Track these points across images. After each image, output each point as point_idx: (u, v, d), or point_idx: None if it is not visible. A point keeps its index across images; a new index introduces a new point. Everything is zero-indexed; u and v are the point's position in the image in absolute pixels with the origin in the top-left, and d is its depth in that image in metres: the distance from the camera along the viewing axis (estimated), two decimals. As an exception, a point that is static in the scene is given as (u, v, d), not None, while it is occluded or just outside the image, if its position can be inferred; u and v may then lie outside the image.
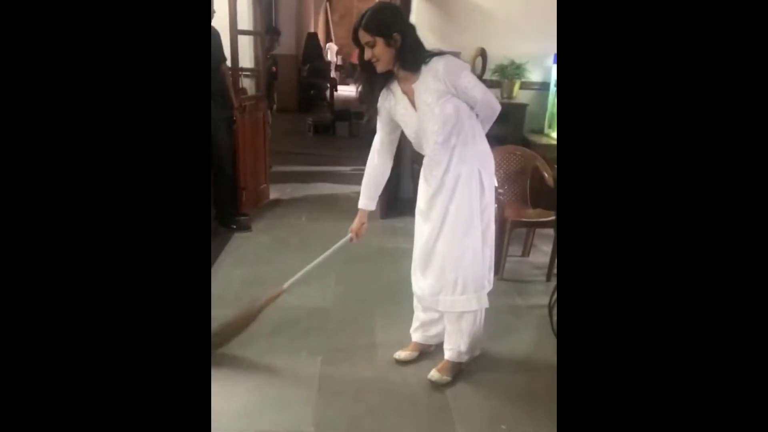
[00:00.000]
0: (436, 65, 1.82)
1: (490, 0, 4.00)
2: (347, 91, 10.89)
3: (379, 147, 2.07)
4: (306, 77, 9.65)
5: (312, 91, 9.85)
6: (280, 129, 6.97)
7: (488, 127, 1.99)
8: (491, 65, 4.01)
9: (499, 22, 4.03)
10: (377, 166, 2.08)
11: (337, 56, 13.30)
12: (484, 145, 1.97)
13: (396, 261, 3.24)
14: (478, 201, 1.94)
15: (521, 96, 4.09)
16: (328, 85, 9.75)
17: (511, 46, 4.01)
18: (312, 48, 9.97)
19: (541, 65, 4.09)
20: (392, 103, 1.95)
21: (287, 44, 8.94)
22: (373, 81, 1.93)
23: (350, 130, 7.58)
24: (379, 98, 1.96)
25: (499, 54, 3.98)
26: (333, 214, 4.15)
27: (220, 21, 4.28)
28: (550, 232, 3.30)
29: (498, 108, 1.95)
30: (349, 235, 2.17)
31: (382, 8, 1.86)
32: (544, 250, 3.50)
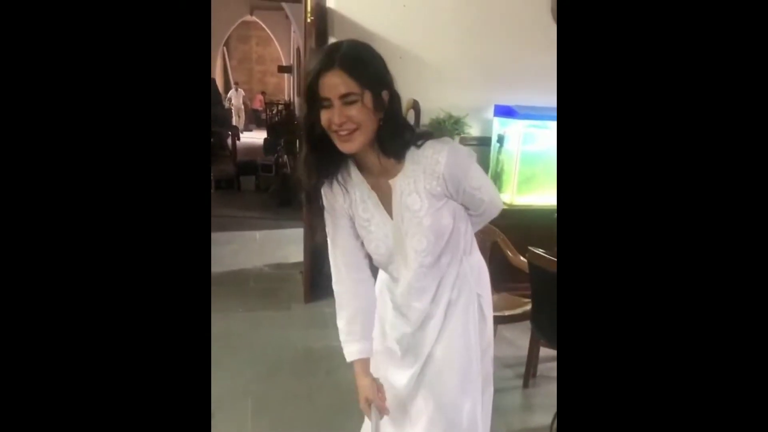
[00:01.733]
0: (432, 155, 1.12)
1: (422, 46, 3.50)
2: (251, 138, 10.11)
3: (347, 259, 1.28)
4: (204, 126, 8.75)
5: (212, 140, 8.98)
6: (175, 187, 6.06)
7: (482, 226, 1.35)
8: (425, 119, 3.49)
9: (432, 71, 3.54)
10: (355, 288, 1.29)
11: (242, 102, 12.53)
12: (478, 255, 1.34)
13: (333, 369, 2.52)
14: (478, 340, 1.28)
15: (461, 153, 3.59)
16: (230, 133, 8.95)
17: (446, 97, 3.52)
18: (210, 94, 9.13)
19: (480, 118, 3.63)
20: (350, 201, 1.22)
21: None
22: (324, 165, 1.16)
23: (257, 183, 6.81)
24: (324, 192, 1.22)
25: (433, 106, 3.47)
26: (243, 300, 3.36)
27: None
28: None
29: (501, 206, 1.31)
30: (373, 416, 1.29)
31: (365, 47, 1.10)
32: (508, 338, 2.91)
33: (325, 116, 1.06)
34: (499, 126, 3.49)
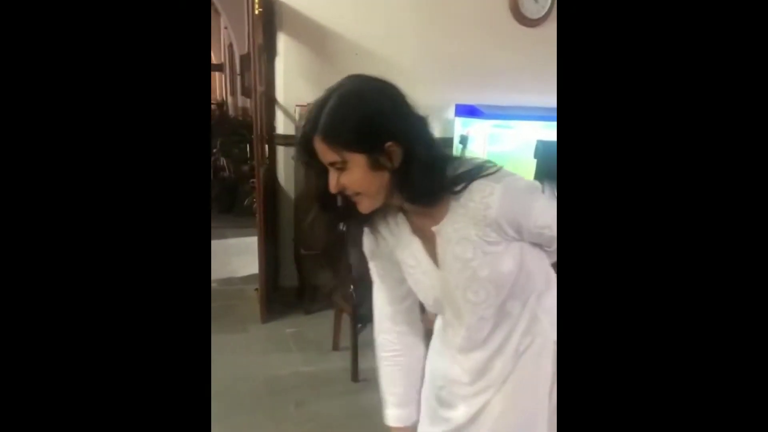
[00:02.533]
0: (481, 199, 0.92)
1: (379, 42, 3.29)
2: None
3: (390, 313, 1.14)
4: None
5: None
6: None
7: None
8: (385, 120, 3.28)
9: (389, 68, 3.31)
10: (400, 341, 1.14)
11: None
12: (554, 292, 1.10)
13: (303, 400, 2.26)
14: (548, 396, 1.05)
15: (422, 156, 3.41)
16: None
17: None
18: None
19: (441, 119, 3.47)
20: (392, 246, 1.06)
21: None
22: (345, 219, 1.01)
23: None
24: (366, 241, 1.07)
25: (392, 106, 3.27)
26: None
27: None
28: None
29: None
30: None
31: (358, 93, 0.91)
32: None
33: (329, 182, 0.95)
34: (461, 126, 3.34)
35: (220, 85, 12.83)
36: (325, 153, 0.90)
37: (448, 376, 1.11)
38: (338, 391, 2.32)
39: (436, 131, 3.52)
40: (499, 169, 0.95)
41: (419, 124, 0.94)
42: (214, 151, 6.91)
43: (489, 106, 3.21)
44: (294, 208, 3.66)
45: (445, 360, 1.12)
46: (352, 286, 2.40)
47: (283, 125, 3.65)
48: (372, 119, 0.88)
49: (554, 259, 1.06)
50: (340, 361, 2.53)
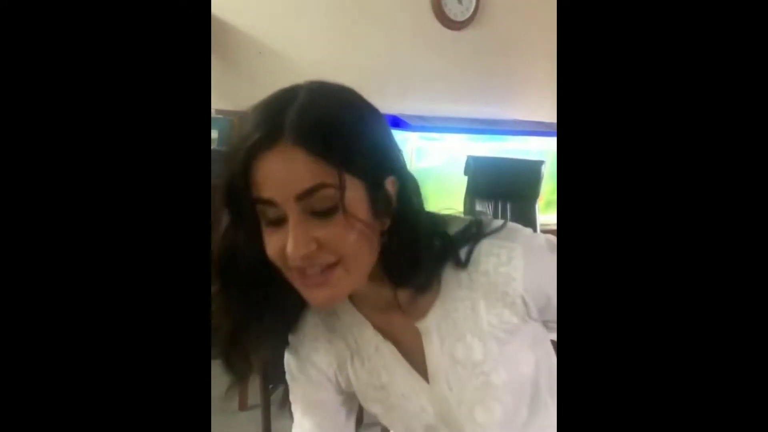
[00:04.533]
0: (495, 269, 0.64)
1: (286, 41, 2.86)
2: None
3: None
4: None
5: None
6: None
7: None
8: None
9: (298, 72, 2.90)
10: None
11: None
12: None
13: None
14: None
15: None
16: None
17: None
18: None
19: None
20: (339, 362, 0.71)
21: None
22: (264, 307, 0.65)
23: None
24: (293, 355, 0.73)
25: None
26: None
27: None
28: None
29: None
30: None
31: (337, 92, 0.59)
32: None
33: (272, 240, 0.56)
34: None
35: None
36: (300, 174, 0.52)
37: None
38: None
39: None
40: (505, 224, 0.66)
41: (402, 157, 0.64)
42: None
43: (414, 117, 2.89)
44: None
45: None
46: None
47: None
48: (371, 130, 0.57)
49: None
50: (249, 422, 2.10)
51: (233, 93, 2.76)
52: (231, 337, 0.64)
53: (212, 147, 2.47)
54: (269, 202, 0.54)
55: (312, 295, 0.58)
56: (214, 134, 2.91)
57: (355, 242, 0.55)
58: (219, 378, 0.66)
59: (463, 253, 0.64)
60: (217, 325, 0.62)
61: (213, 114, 2.92)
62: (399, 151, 0.62)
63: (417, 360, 0.68)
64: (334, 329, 0.70)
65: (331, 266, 0.56)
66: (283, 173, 0.53)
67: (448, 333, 0.66)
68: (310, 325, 0.71)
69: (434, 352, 0.66)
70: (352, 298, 0.68)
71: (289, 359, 0.73)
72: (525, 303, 0.65)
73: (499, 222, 0.67)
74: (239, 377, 0.67)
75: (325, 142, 0.53)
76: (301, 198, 0.53)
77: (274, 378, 0.76)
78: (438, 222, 0.66)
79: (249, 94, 2.14)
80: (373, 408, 0.72)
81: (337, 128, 0.54)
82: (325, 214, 0.54)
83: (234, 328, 0.64)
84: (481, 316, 0.65)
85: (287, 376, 0.74)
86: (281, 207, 0.54)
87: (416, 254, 0.61)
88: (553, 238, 0.65)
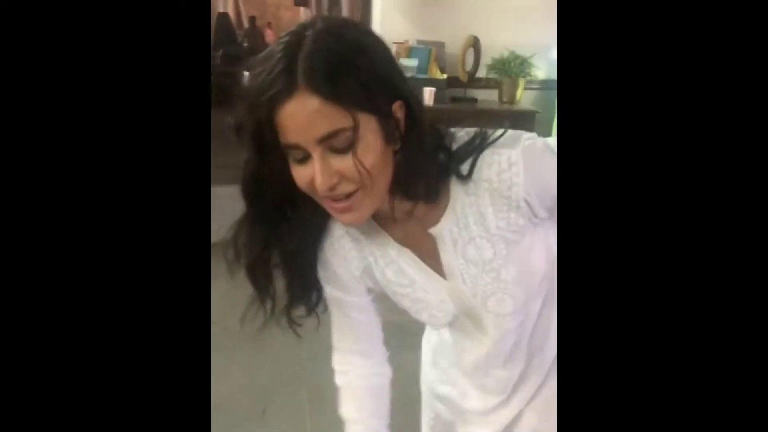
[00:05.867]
0: (499, 174, 0.67)
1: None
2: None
3: (361, 346, 0.88)
4: (219, 65, 8.30)
5: (226, 80, 8.54)
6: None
7: None
8: (486, 59, 3.06)
9: (494, 3, 3.08)
10: (371, 389, 0.89)
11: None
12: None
13: (393, 352, 2.23)
14: None
15: (525, 99, 3.18)
16: (246, 74, 8.48)
17: (510, 33, 3.07)
18: (224, 31, 8.57)
19: (546, 58, 3.19)
20: (363, 267, 0.79)
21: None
22: (301, 231, 0.74)
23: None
24: (324, 261, 0.80)
25: (495, 44, 3.03)
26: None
27: None
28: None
29: None
30: None
31: (341, 31, 0.61)
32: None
33: (300, 174, 0.62)
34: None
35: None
36: (317, 118, 0.57)
37: (460, 405, 0.91)
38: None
39: (543, 72, 3.29)
40: (505, 132, 0.69)
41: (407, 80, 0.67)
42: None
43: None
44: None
45: (454, 383, 0.91)
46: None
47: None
48: (380, 61, 0.61)
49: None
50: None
51: (433, 24, 3.06)
52: (259, 253, 0.71)
53: (411, 75, 2.90)
54: (295, 147, 0.59)
55: (341, 218, 0.66)
56: (414, 62, 3.23)
57: (372, 170, 0.61)
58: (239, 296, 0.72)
59: (466, 165, 0.67)
60: (245, 242, 0.71)
61: (414, 44, 3.24)
62: (403, 75, 0.65)
63: (434, 262, 0.74)
64: (359, 240, 0.77)
65: (353, 192, 0.62)
66: (304, 120, 0.57)
67: (460, 236, 0.71)
68: (337, 237, 0.78)
69: (448, 253, 0.73)
70: (374, 214, 0.70)
71: (320, 269, 0.80)
72: (529, 205, 0.68)
73: (500, 131, 0.69)
74: (261, 292, 0.74)
75: (337, 87, 0.56)
76: (321, 141, 0.58)
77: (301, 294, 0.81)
78: (444, 137, 0.69)
79: (444, 24, 2.52)
80: (402, 302, 0.80)
81: (346, 69, 0.57)
82: (343, 150, 0.59)
83: (261, 244, 0.71)
84: (489, 220, 0.69)
85: (322, 284, 0.80)
86: (305, 148, 0.59)
87: (424, 170, 0.66)
88: (553, 141, 0.68)
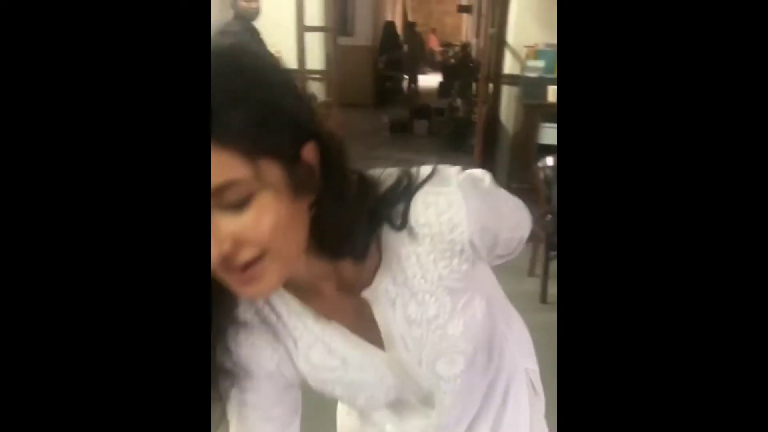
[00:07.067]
0: (437, 215, 0.58)
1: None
2: (426, 81, 10.23)
3: None
4: (383, 69, 9.10)
5: (387, 83, 9.31)
6: (354, 127, 6.44)
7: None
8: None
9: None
10: None
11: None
12: (512, 311, 0.87)
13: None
14: (530, 421, 0.83)
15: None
16: (405, 77, 9.18)
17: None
18: (389, 37, 9.38)
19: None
20: (291, 358, 0.66)
21: (364, 34, 8.43)
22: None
23: (430, 128, 6.92)
24: (227, 359, 0.64)
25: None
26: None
27: (283, 16, 3.78)
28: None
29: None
30: None
31: (241, 62, 0.51)
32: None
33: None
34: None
35: (466, 27, 13.16)
36: (227, 164, 0.46)
37: None
38: (528, 308, 2.56)
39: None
40: (436, 168, 0.61)
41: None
42: (452, 91, 7.35)
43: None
44: (510, 146, 3.88)
45: None
46: (549, 216, 2.61)
47: (509, 65, 3.85)
48: (277, 94, 0.51)
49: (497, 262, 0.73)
50: (532, 285, 2.83)
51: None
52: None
53: (538, 75, 3.40)
54: (222, 182, 0.46)
55: (241, 291, 0.53)
56: (541, 63, 3.50)
57: (277, 229, 0.49)
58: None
59: (398, 212, 0.58)
60: None
61: (542, 47, 3.52)
62: (312, 109, 0.54)
63: (368, 332, 0.64)
64: (270, 320, 0.64)
65: (255, 260, 0.49)
66: (221, 165, 0.45)
67: (398, 295, 0.61)
68: (242, 322, 0.63)
69: (386, 317, 0.62)
70: (288, 283, 0.59)
71: (225, 359, 0.63)
72: (473, 246, 0.59)
73: (428, 168, 0.60)
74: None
75: (224, 126, 0.45)
76: (214, 194, 0.45)
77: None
78: (367, 182, 0.59)
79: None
80: (332, 390, 0.67)
81: (241, 108, 0.46)
82: (238, 206, 0.47)
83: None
84: (430, 270, 0.60)
85: (224, 380, 0.64)
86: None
87: (346, 223, 0.56)
88: (486, 172, 0.63)
